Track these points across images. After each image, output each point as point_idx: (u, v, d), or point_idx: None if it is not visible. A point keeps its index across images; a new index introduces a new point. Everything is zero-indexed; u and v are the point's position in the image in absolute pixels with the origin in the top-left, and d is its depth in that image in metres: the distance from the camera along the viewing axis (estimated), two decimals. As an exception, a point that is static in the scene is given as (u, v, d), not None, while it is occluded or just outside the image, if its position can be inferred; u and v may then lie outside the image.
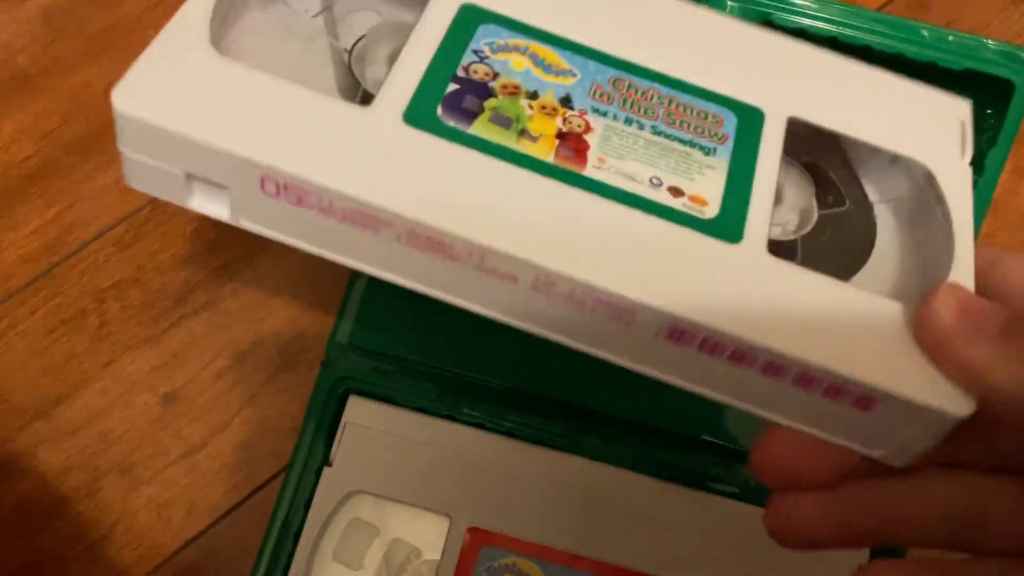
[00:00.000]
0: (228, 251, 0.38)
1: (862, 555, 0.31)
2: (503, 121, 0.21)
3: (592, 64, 0.22)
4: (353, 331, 0.34)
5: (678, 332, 0.19)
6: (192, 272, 0.37)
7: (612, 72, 0.22)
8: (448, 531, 0.31)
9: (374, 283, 0.30)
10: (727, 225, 0.20)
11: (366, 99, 0.22)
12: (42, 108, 0.40)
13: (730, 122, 0.22)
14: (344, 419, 0.33)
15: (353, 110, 0.20)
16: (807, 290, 0.19)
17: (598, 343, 0.20)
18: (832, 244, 0.23)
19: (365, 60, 0.23)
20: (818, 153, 0.24)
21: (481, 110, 0.21)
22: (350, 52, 0.23)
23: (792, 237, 0.23)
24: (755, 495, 0.32)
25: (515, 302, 0.19)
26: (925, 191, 0.23)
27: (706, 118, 0.22)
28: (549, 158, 0.20)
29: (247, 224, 0.20)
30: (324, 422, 0.32)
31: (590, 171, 0.20)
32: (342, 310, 0.35)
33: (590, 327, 0.19)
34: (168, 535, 0.34)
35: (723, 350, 0.19)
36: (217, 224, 0.38)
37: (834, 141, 0.24)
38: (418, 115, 0.20)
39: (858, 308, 0.19)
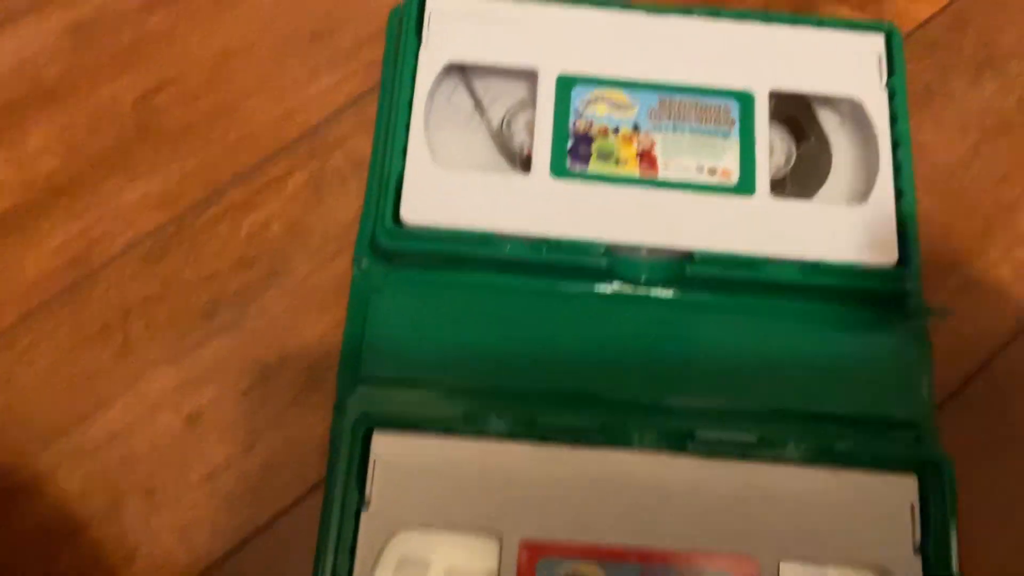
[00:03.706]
0: (254, 269, 0.37)
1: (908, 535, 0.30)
2: (605, 156, 0.36)
3: (643, 94, 0.37)
4: (363, 361, 0.34)
5: None
6: (218, 289, 0.37)
7: (657, 95, 0.37)
8: (500, 550, 0.30)
9: (375, 310, 0.35)
10: (745, 185, 0.36)
11: (524, 162, 0.37)
12: (68, 122, 0.40)
13: (734, 109, 0.36)
14: (372, 457, 0.32)
15: (522, 178, 0.36)
16: (795, 212, 0.35)
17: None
18: (808, 169, 0.38)
19: (511, 130, 0.38)
20: (792, 107, 0.39)
21: (590, 153, 0.35)
22: (501, 127, 0.38)
23: (783, 174, 0.38)
24: (801, 455, 0.32)
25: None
26: (860, 115, 0.38)
27: (719, 111, 0.36)
28: (636, 173, 0.35)
29: None
30: (352, 465, 0.31)
31: (661, 173, 0.36)
32: (346, 343, 0.35)
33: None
34: (191, 559, 0.33)
35: None
36: (243, 241, 0.37)
37: (800, 97, 0.38)
38: (558, 170, 0.35)
39: (825, 213, 0.35)
